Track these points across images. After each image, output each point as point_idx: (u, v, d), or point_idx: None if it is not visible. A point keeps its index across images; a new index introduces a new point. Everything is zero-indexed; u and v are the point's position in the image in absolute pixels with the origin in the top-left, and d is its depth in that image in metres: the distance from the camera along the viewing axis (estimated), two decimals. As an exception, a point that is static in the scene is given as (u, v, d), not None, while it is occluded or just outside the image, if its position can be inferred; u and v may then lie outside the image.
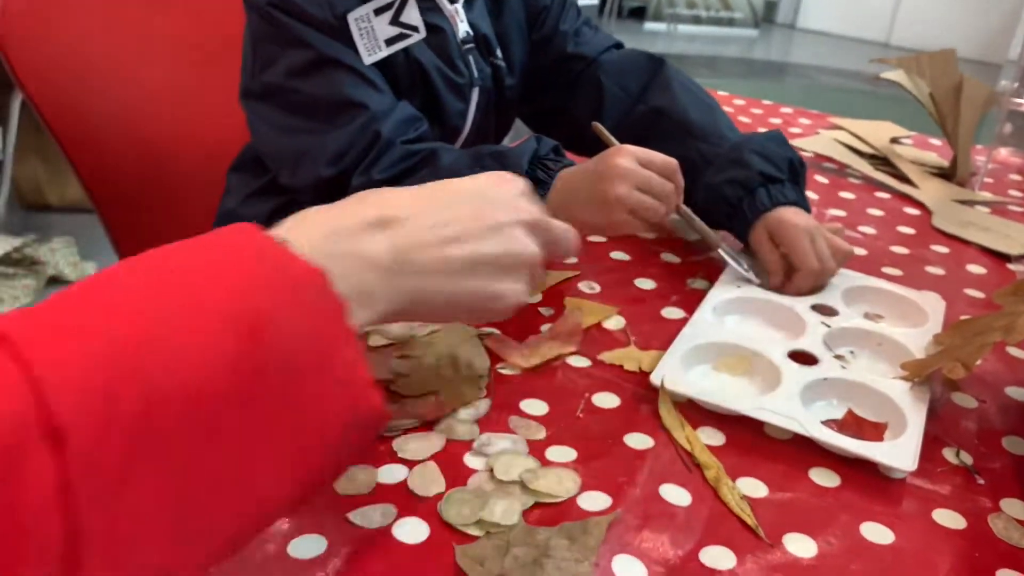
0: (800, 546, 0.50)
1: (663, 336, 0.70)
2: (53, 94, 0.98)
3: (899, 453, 0.56)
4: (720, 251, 0.79)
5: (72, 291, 0.34)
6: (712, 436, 0.59)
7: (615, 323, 0.72)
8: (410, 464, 0.54)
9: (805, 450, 0.58)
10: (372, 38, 0.81)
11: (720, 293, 0.74)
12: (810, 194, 1.05)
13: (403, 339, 0.65)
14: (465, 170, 0.71)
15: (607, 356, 0.67)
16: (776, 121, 1.34)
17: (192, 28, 1.08)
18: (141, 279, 0.35)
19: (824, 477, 0.56)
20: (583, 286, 0.78)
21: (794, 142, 1.21)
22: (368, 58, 0.80)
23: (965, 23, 6.43)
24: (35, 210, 2.48)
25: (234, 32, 0.87)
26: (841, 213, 1.01)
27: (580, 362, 0.66)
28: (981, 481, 0.57)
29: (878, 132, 1.28)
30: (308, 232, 0.41)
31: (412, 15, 0.82)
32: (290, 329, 0.36)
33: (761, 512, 0.52)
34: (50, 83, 0.98)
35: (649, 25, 6.32)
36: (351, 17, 0.79)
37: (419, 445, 0.55)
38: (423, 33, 0.82)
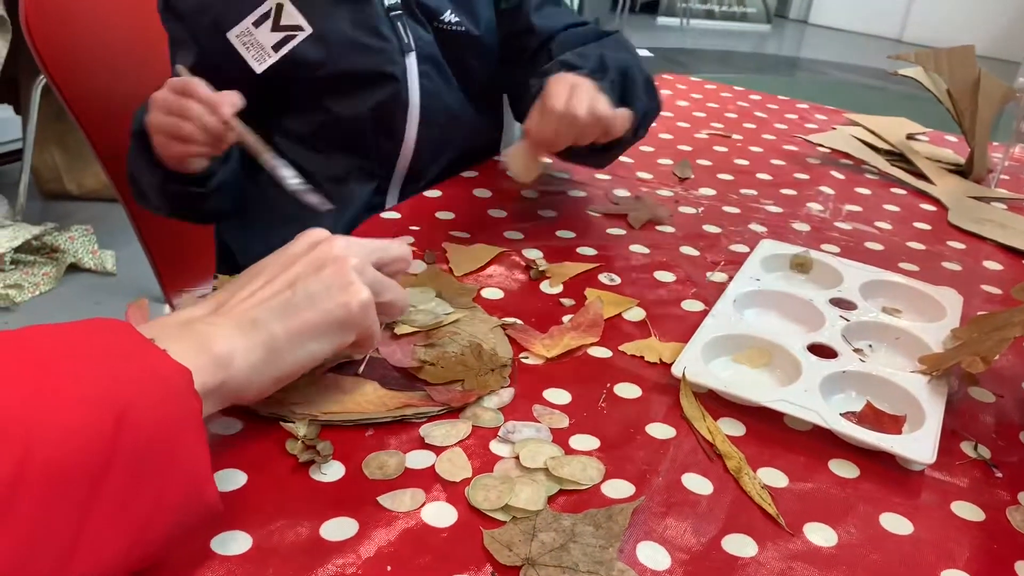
0: (820, 535, 0.51)
1: (683, 328, 0.71)
2: (77, 80, 1.00)
3: (918, 446, 0.57)
4: (271, 162, 0.78)
5: None
6: (733, 427, 0.60)
7: (635, 315, 0.73)
8: (437, 450, 0.55)
9: (824, 442, 0.59)
10: (258, 48, 0.86)
11: (739, 286, 0.75)
12: (826, 189, 1.06)
13: (429, 327, 0.66)
14: (136, 121, 0.85)
15: (628, 347, 0.68)
16: (792, 116, 1.35)
17: None
18: (19, 356, 0.40)
19: (843, 468, 0.57)
20: (603, 278, 0.78)
21: (810, 137, 1.22)
22: (259, 67, 0.86)
23: (980, 19, 6.39)
24: (54, 199, 2.50)
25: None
26: (857, 209, 1.01)
27: (601, 353, 0.67)
28: (999, 474, 0.58)
29: (894, 128, 1.28)
30: (164, 328, 0.48)
31: (292, 15, 0.87)
32: (151, 419, 0.40)
33: (782, 502, 0.53)
34: (74, 69, 1.00)
35: (662, 20, 6.31)
36: (231, 35, 0.86)
37: (446, 431, 0.56)
38: (308, 29, 0.87)
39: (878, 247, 0.91)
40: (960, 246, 0.94)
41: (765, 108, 1.38)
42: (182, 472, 0.42)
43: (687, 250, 0.86)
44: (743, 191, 1.02)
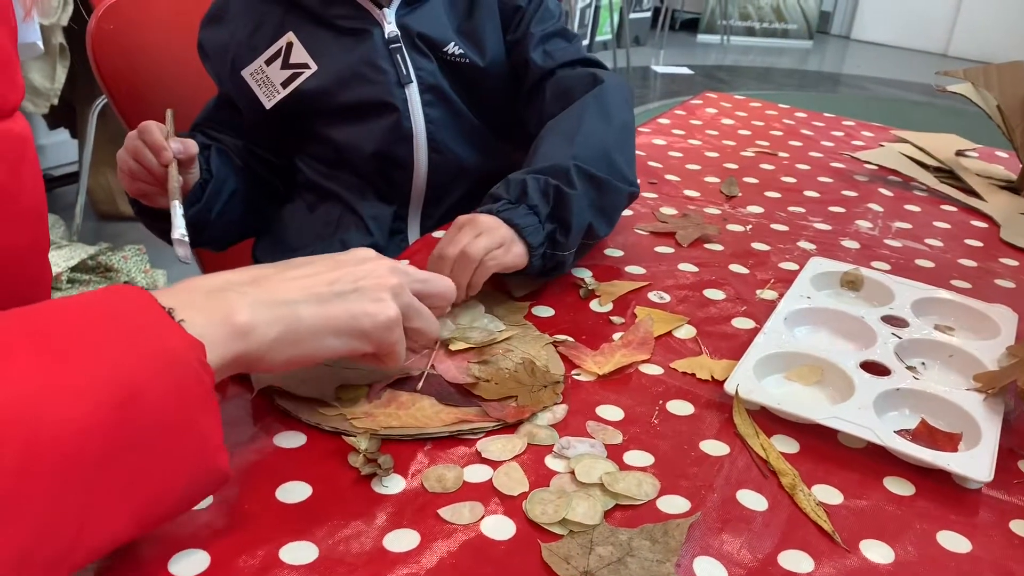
0: (877, 552, 0.51)
1: (734, 346, 0.71)
2: (137, 105, 1.03)
3: (975, 463, 0.57)
4: (173, 207, 0.80)
5: None
6: (786, 444, 0.60)
7: (686, 332, 0.74)
8: (494, 464, 0.56)
9: (879, 459, 0.59)
10: (269, 85, 0.92)
11: (790, 304, 0.75)
12: (875, 207, 1.05)
13: (482, 344, 0.67)
14: None
15: (679, 364, 0.68)
16: (838, 134, 1.34)
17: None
18: (31, 342, 0.40)
19: (899, 486, 0.57)
20: (653, 296, 0.79)
21: (857, 155, 1.22)
22: (268, 103, 0.92)
23: (1026, 32, 6.29)
24: (108, 220, 2.57)
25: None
26: (907, 226, 1.01)
27: (653, 370, 0.68)
28: (1058, 493, 0.58)
29: (943, 145, 1.27)
30: (191, 294, 0.49)
31: (299, 55, 0.91)
32: (160, 400, 0.42)
33: (837, 519, 0.54)
34: (135, 95, 1.03)
35: (702, 37, 6.30)
36: (245, 73, 0.91)
37: (502, 446, 0.57)
38: (314, 67, 0.91)
39: (929, 264, 0.91)
40: (1013, 263, 0.93)
41: (811, 126, 1.37)
42: (192, 445, 0.44)
43: (736, 268, 0.86)
44: (791, 208, 1.03)
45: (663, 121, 1.33)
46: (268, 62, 0.90)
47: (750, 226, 0.97)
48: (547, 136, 0.86)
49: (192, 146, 0.83)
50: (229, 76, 0.92)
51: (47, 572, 0.38)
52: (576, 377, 0.66)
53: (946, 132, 1.34)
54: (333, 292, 0.54)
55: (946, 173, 1.19)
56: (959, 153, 1.27)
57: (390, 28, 0.92)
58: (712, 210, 1.01)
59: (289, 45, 0.90)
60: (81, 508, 0.39)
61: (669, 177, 1.10)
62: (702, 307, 0.78)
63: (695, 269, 0.85)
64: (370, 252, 0.59)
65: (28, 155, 0.56)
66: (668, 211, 0.99)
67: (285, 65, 0.90)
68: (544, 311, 0.75)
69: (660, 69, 5.43)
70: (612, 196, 0.83)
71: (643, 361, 0.69)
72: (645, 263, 0.86)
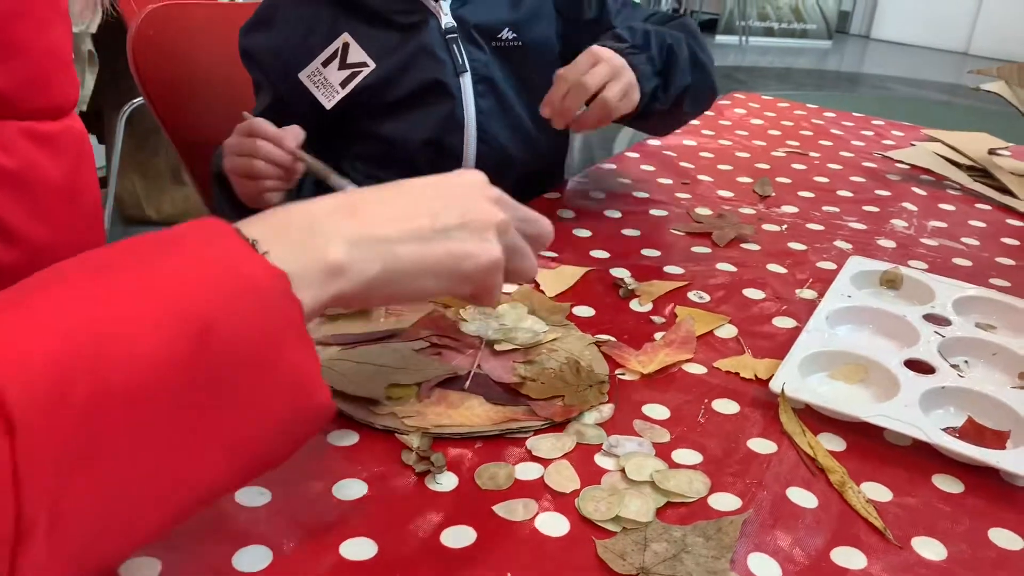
0: (929, 549, 0.51)
1: (775, 345, 0.72)
2: (176, 106, 1.05)
3: (1025, 461, 0.57)
4: (339, 183, 0.81)
5: (39, 280, 0.37)
6: (833, 442, 0.60)
7: (727, 332, 0.74)
8: (544, 462, 0.56)
9: (926, 457, 0.59)
10: (327, 86, 0.93)
11: (832, 303, 0.75)
12: (909, 206, 1.05)
13: (528, 345, 0.68)
14: (215, 163, 0.91)
15: (723, 364, 0.69)
16: (868, 133, 1.34)
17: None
18: (106, 274, 0.38)
19: (947, 483, 0.57)
20: (692, 295, 0.80)
21: (889, 154, 1.22)
22: (329, 103, 0.92)
23: (1049, 30, 6.24)
24: (135, 224, 2.60)
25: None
26: (943, 225, 1.00)
27: (697, 369, 0.68)
28: (1109, 490, 0.57)
29: (975, 143, 1.27)
30: (279, 226, 0.45)
31: (357, 54, 0.92)
32: (241, 332, 0.38)
33: (887, 516, 0.54)
34: (173, 95, 1.05)
35: (721, 38, 6.28)
36: (302, 76, 0.92)
37: (551, 444, 0.58)
38: (372, 65, 0.92)
39: (966, 263, 0.91)
40: (1051, 261, 0.93)
41: (840, 125, 1.37)
42: (282, 380, 0.40)
43: (774, 267, 0.86)
44: (825, 208, 1.03)
45: (692, 122, 1.33)
46: (325, 63, 0.91)
47: (785, 226, 0.97)
48: (640, 24, 0.98)
49: (300, 131, 0.84)
50: (283, 80, 0.93)
51: (141, 522, 0.37)
52: (620, 376, 0.67)
53: (970, 129, 1.33)
54: (435, 230, 0.49)
55: (979, 172, 1.18)
56: (992, 152, 1.26)
57: (447, 19, 0.95)
58: (747, 210, 1.01)
59: (346, 46, 0.91)
60: (166, 452, 0.36)
61: (702, 177, 1.10)
62: (742, 307, 0.78)
63: (733, 269, 0.85)
64: (478, 176, 0.54)
65: (86, 153, 0.57)
66: (703, 211, 0.99)
67: (343, 66, 0.91)
68: (585, 311, 0.76)
69: (679, 70, 5.41)
70: (705, 77, 0.99)
71: (686, 360, 0.69)
72: (683, 263, 0.86)
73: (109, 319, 0.35)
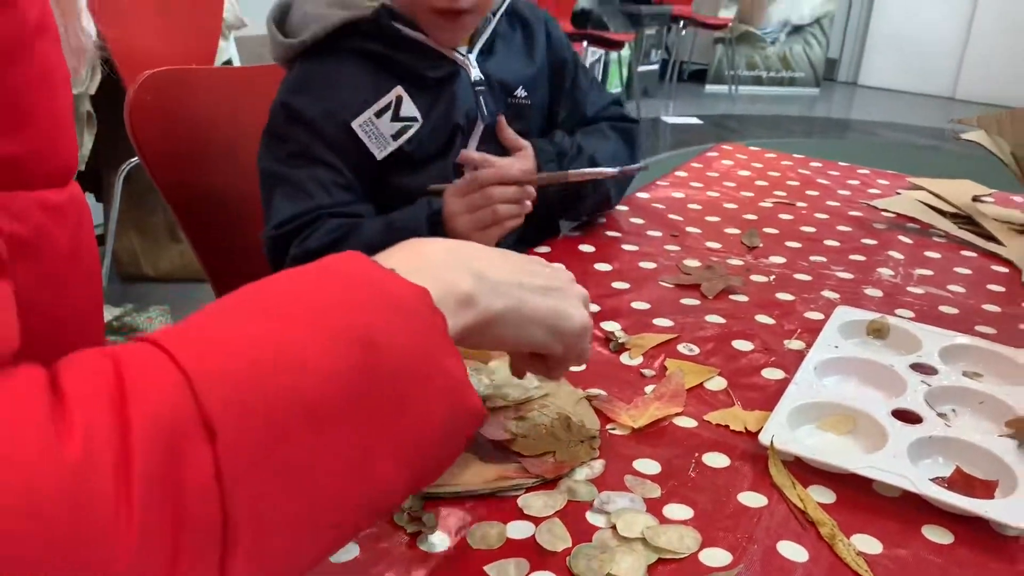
0: (921, 601, 0.52)
1: (765, 396, 0.72)
2: (172, 170, 1.07)
3: (1013, 510, 0.57)
4: (584, 173, 0.91)
5: (212, 309, 0.41)
6: (823, 494, 0.61)
7: (717, 384, 0.75)
8: (536, 520, 0.57)
9: (916, 508, 0.59)
10: (379, 137, 0.96)
11: (819, 354, 0.76)
12: (895, 254, 1.07)
13: (519, 402, 0.69)
14: (378, 239, 0.88)
15: (713, 416, 0.69)
16: (854, 182, 1.36)
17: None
18: (271, 301, 0.42)
19: (937, 534, 0.57)
20: (682, 348, 0.80)
21: (874, 203, 1.24)
22: (380, 154, 0.95)
23: (1032, 73, 6.36)
24: (133, 281, 2.61)
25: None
26: (929, 273, 1.02)
27: (687, 422, 0.69)
28: (1098, 538, 0.58)
29: (959, 191, 1.29)
30: (409, 259, 0.49)
31: (409, 108, 0.96)
32: (399, 343, 0.41)
33: (877, 568, 0.54)
34: (170, 160, 1.06)
35: (710, 87, 6.39)
36: (355, 125, 0.94)
37: (543, 502, 0.58)
38: (421, 120, 0.96)
39: (953, 311, 0.92)
40: (1037, 307, 0.94)
41: (826, 175, 1.39)
42: (440, 385, 0.43)
43: (762, 319, 0.87)
44: (812, 258, 1.04)
45: (680, 174, 1.36)
46: (378, 115, 0.94)
47: (773, 276, 0.98)
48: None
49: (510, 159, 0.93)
50: (335, 132, 0.94)
51: (325, 532, 0.39)
52: (611, 431, 0.67)
53: (958, 175, 1.35)
54: (543, 287, 0.56)
55: (964, 219, 1.20)
56: (975, 198, 1.28)
57: (476, 73, 0.99)
58: (735, 261, 1.02)
59: (399, 99, 0.94)
60: (346, 459, 0.39)
61: (690, 229, 1.12)
62: (731, 358, 0.79)
63: (722, 320, 0.86)
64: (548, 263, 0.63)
65: (85, 217, 0.59)
66: (692, 263, 1.01)
67: (395, 118, 0.95)
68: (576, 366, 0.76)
69: (670, 120, 5.50)
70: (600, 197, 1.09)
71: (677, 414, 0.70)
72: (672, 315, 0.87)
73: (284, 337, 0.39)
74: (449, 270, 0.49)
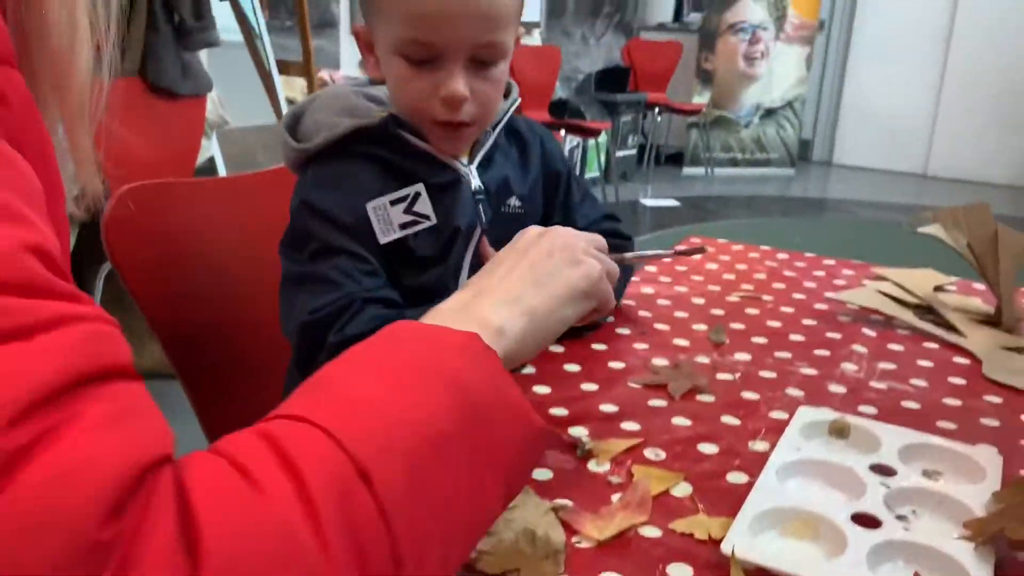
0: None
1: (730, 501, 0.73)
2: (150, 283, 1.08)
3: (970, 617, 0.58)
4: (644, 255, 0.93)
5: (326, 379, 0.49)
6: (785, 604, 0.61)
7: (682, 490, 0.76)
8: (500, 641, 0.57)
9: (877, 615, 0.60)
10: (387, 223, 0.98)
11: (781, 457, 0.78)
12: (859, 348, 1.09)
13: (485, 516, 0.69)
14: None
15: (678, 524, 0.70)
16: (819, 273, 1.40)
17: (279, 217, 1.19)
18: (371, 364, 0.51)
19: (898, 643, 0.58)
20: (648, 453, 0.82)
21: (839, 295, 1.27)
22: (383, 239, 0.97)
23: (999, 149, 6.54)
24: (113, 380, 2.60)
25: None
26: (892, 366, 1.04)
27: (652, 532, 0.70)
28: (1055, 643, 0.58)
29: (921, 281, 1.32)
30: (443, 316, 0.60)
31: (424, 206, 0.98)
32: (475, 380, 0.51)
33: None
34: (147, 274, 1.08)
35: (687, 170, 6.53)
36: (369, 206, 0.96)
37: (507, 622, 0.59)
38: (434, 220, 0.98)
39: (915, 405, 0.94)
40: (997, 400, 0.96)
41: (793, 267, 1.43)
42: (515, 412, 0.52)
43: (728, 419, 0.89)
44: (777, 354, 1.06)
45: (650, 269, 1.39)
46: (393, 203, 0.96)
47: (739, 374, 1.00)
48: None
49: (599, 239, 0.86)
50: (354, 221, 0.95)
51: (456, 551, 0.47)
52: (577, 544, 0.68)
53: (931, 252, 1.37)
54: (543, 273, 0.65)
55: (927, 310, 1.23)
56: (938, 288, 1.32)
57: (476, 182, 1.03)
58: (702, 359, 1.04)
59: (417, 195, 0.97)
60: (465, 485, 0.47)
61: (659, 326, 1.14)
62: (697, 462, 0.80)
63: (688, 423, 0.88)
64: (536, 228, 0.73)
65: None
66: (660, 362, 1.03)
67: (408, 211, 0.97)
68: (543, 474, 0.77)
69: (648, 202, 5.60)
70: None
71: (642, 523, 0.70)
72: (640, 418, 0.89)
73: (396, 391, 0.48)
74: (473, 314, 0.60)
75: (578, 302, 0.67)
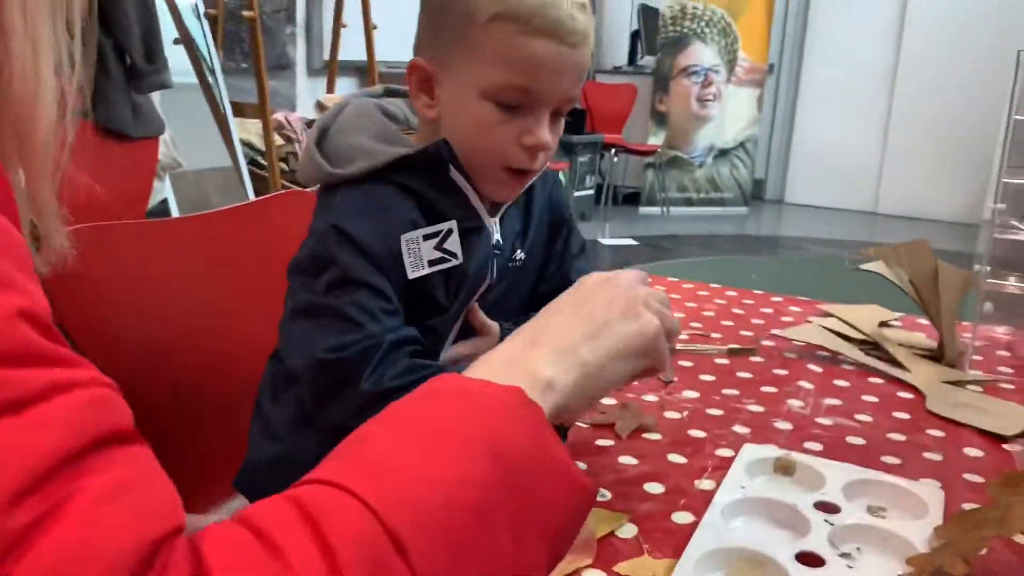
0: None
1: (675, 541, 0.72)
2: (95, 334, 1.06)
3: (912, 655, 0.57)
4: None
5: (361, 443, 0.48)
6: (729, 646, 0.60)
7: (627, 531, 0.75)
8: None
9: (821, 656, 0.59)
10: (417, 257, 0.93)
11: (726, 496, 0.77)
12: (805, 384, 1.10)
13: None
14: None
15: (622, 567, 0.69)
16: (767, 311, 1.41)
17: (226, 271, 1.17)
18: (409, 428, 0.48)
19: None
20: (594, 494, 0.81)
21: (784, 333, 1.28)
22: (412, 274, 0.92)
23: (945, 187, 6.72)
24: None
25: (263, 283, 0.95)
26: (837, 402, 1.05)
27: (596, 575, 0.68)
28: None
29: (866, 316, 1.34)
30: (492, 367, 0.58)
31: (453, 243, 0.94)
32: (516, 441, 0.48)
33: None
34: (92, 325, 1.06)
35: (644, 209, 6.61)
36: (404, 238, 0.92)
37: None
38: (460, 259, 0.94)
39: (860, 441, 0.94)
40: (940, 434, 0.97)
41: (741, 304, 1.44)
42: (560, 469, 0.50)
43: (674, 458, 0.88)
44: (725, 391, 1.07)
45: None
46: (425, 238, 0.93)
47: (686, 412, 1.00)
48: None
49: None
50: (386, 253, 0.91)
51: None
52: (519, 588, 0.66)
53: (881, 290, 1.39)
54: (599, 325, 0.61)
55: (872, 345, 1.25)
56: (883, 324, 1.33)
57: (496, 236, 0.98)
58: (650, 397, 1.04)
59: (449, 231, 0.94)
60: (503, 548, 0.45)
61: (608, 366, 1.14)
62: (642, 502, 0.80)
63: (635, 462, 0.87)
64: (599, 275, 0.69)
65: None
66: (607, 401, 1.02)
67: (439, 247, 0.94)
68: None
69: (607, 241, 5.64)
70: None
71: (587, 566, 0.69)
72: (586, 457, 0.88)
73: (433, 459, 0.45)
74: (523, 366, 0.57)
75: (632, 358, 0.63)
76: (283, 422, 0.95)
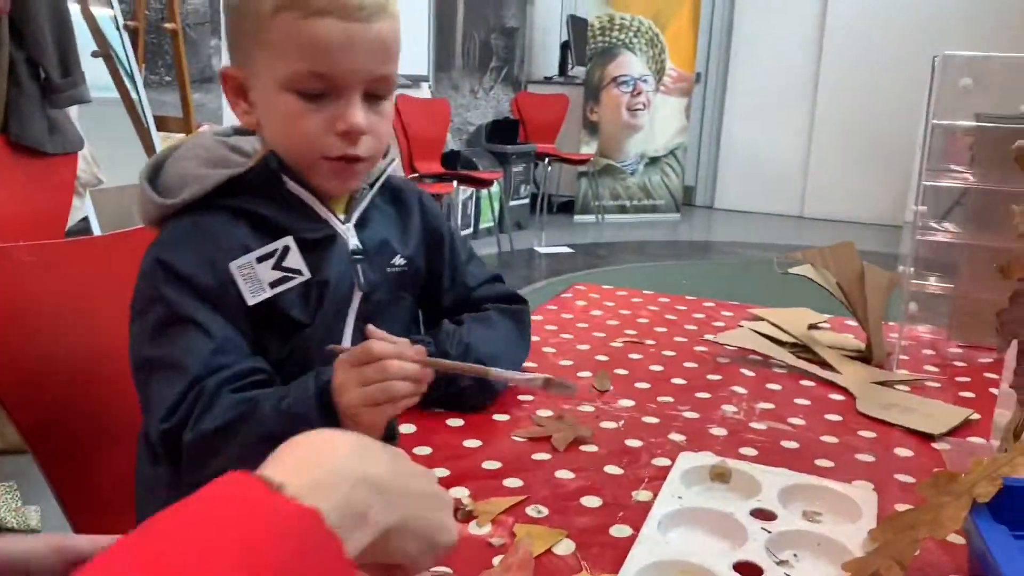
0: None
1: (613, 555, 0.71)
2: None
3: (850, 663, 0.57)
4: (495, 374, 0.85)
5: (105, 560, 0.38)
6: (669, 662, 0.59)
7: (565, 547, 0.73)
8: None
9: (761, 667, 0.59)
10: (255, 281, 0.90)
11: (663, 507, 0.76)
12: (739, 389, 1.10)
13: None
14: (274, 427, 0.81)
15: (559, 585, 0.68)
16: (700, 316, 1.42)
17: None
18: (164, 547, 0.39)
19: None
20: (531, 511, 0.79)
21: (717, 338, 1.28)
22: (252, 299, 0.90)
23: (867, 190, 6.93)
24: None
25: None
26: (770, 406, 1.05)
27: (533, 594, 0.67)
28: None
29: (796, 319, 1.36)
30: (301, 471, 0.45)
31: (294, 260, 0.91)
32: (298, 573, 0.39)
33: None
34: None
35: (578, 217, 6.65)
36: (233, 266, 0.89)
37: None
38: (307, 275, 0.92)
39: (794, 445, 0.94)
40: (871, 435, 0.98)
41: (674, 310, 1.45)
42: None
43: (611, 469, 0.87)
44: (660, 399, 1.06)
45: (536, 318, 1.38)
46: (259, 260, 0.89)
47: (622, 422, 0.99)
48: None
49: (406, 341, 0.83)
50: (211, 283, 0.88)
51: None
52: (455, 613, 0.64)
53: (810, 292, 1.40)
54: (423, 493, 0.52)
55: (802, 348, 1.26)
56: (812, 326, 1.35)
57: (353, 242, 0.96)
58: (586, 407, 1.03)
59: (286, 249, 0.90)
60: None
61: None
62: (580, 516, 0.78)
63: (572, 475, 0.86)
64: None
65: None
66: (544, 413, 1.01)
67: (277, 267, 0.90)
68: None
69: (542, 250, 5.66)
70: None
71: (523, 585, 0.68)
72: (523, 473, 0.86)
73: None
74: (345, 481, 0.46)
75: (426, 550, 0.54)
76: (163, 484, 0.92)
